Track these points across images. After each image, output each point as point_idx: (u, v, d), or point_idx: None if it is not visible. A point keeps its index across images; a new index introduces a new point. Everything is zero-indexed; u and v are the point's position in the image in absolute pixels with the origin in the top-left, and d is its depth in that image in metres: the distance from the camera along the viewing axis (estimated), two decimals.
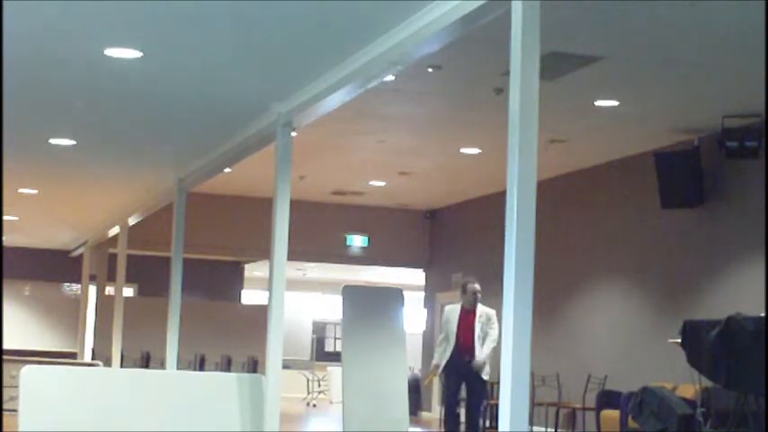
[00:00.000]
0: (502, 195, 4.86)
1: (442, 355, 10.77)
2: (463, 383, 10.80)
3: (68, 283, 24.00)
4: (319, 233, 17.43)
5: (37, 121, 10.32)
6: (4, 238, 18.81)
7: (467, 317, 10.77)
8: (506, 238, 4.78)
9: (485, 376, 10.66)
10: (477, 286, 10.83)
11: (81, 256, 21.37)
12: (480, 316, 10.71)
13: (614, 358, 12.62)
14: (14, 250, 21.60)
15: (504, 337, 4.68)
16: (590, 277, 13.50)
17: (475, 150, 12.60)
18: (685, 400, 9.26)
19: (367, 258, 18.43)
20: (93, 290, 20.19)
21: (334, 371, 19.41)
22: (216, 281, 22.87)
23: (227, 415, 6.44)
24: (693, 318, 8.77)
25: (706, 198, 11.17)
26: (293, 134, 8.62)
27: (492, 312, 10.55)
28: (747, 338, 7.65)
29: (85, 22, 6.92)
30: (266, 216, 8.79)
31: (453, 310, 10.92)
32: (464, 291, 10.92)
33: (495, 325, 10.52)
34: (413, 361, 16.31)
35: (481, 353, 10.59)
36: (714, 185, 11.13)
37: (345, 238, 18.09)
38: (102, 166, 12.87)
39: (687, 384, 9.17)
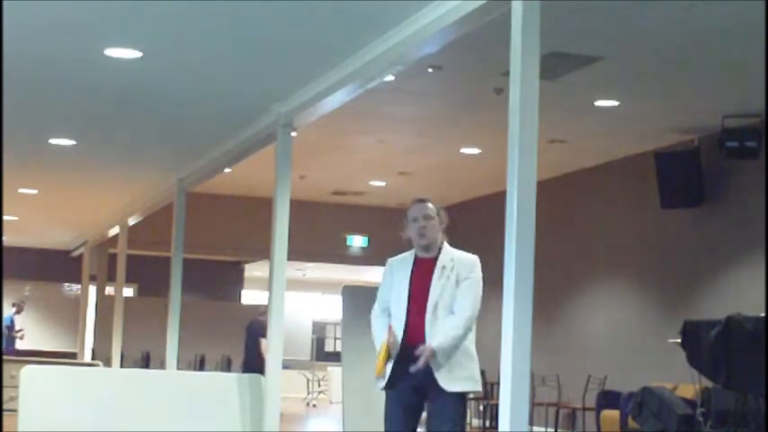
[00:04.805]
0: (502, 195, 4.87)
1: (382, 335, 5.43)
2: (420, 400, 5.33)
3: (68, 283, 24.00)
4: (319, 233, 17.43)
5: (37, 121, 10.32)
6: (4, 238, 18.82)
7: (422, 272, 5.38)
8: (506, 238, 4.79)
9: (456, 386, 5.15)
10: (431, 206, 5.48)
11: (81, 256, 21.38)
12: (444, 267, 5.31)
13: (614, 358, 12.62)
14: (14, 250, 21.61)
15: (504, 338, 4.68)
16: (590, 277, 13.50)
17: (475, 150, 12.60)
18: (685, 400, 9.26)
19: (367, 258, 18.42)
20: (93, 290, 20.20)
21: (334, 371, 19.40)
22: (216, 281, 22.88)
23: (227, 415, 6.45)
24: (693, 318, 8.77)
25: (706, 198, 11.17)
26: (293, 134, 8.63)
27: (470, 260, 5.34)
28: (747, 338, 7.65)
29: (85, 22, 6.93)
30: (266, 216, 8.79)
31: (401, 265, 5.46)
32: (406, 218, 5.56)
33: (472, 282, 5.26)
34: None
35: (434, 334, 5.17)
36: (714, 185, 11.12)
37: (345, 238, 18.08)
38: (102, 166, 12.88)
39: (687, 384, 9.16)
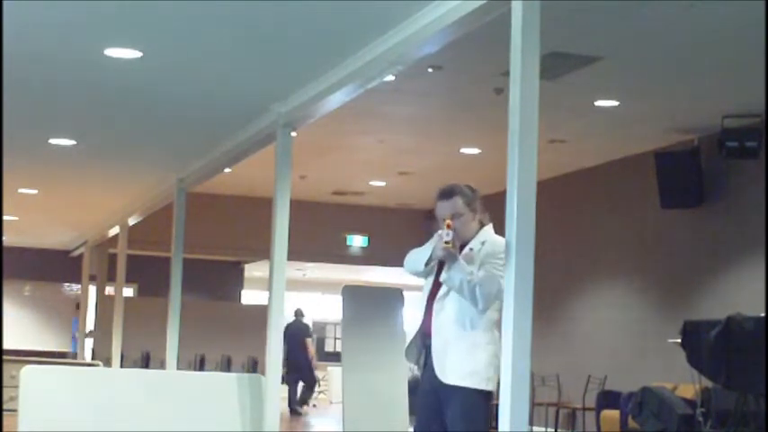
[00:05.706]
0: (502, 195, 4.86)
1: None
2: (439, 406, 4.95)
3: (68, 283, 24.00)
4: (319, 233, 17.43)
5: (37, 121, 10.32)
6: (4, 238, 18.81)
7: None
8: (506, 237, 4.77)
9: (452, 378, 4.86)
10: (459, 201, 5.02)
11: (81, 256, 21.37)
12: (471, 249, 4.97)
13: (614, 358, 12.62)
14: (14, 250, 21.61)
15: (504, 338, 4.67)
16: (590, 277, 13.50)
17: (475, 150, 12.60)
18: (685, 400, 9.26)
19: (367, 258, 18.41)
20: (93, 290, 20.19)
21: (334, 371, 19.39)
22: (216, 281, 22.88)
23: (227, 415, 6.44)
24: (693, 318, 8.77)
25: (706, 198, 11.17)
26: (293, 134, 8.62)
27: (501, 243, 4.80)
28: (747, 338, 7.65)
29: (85, 22, 6.93)
30: (266, 216, 8.79)
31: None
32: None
33: (497, 266, 4.82)
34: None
35: (440, 323, 4.95)
36: (714, 185, 11.13)
37: (345, 238, 18.08)
38: (102, 166, 12.87)
39: (687, 384, 9.17)
